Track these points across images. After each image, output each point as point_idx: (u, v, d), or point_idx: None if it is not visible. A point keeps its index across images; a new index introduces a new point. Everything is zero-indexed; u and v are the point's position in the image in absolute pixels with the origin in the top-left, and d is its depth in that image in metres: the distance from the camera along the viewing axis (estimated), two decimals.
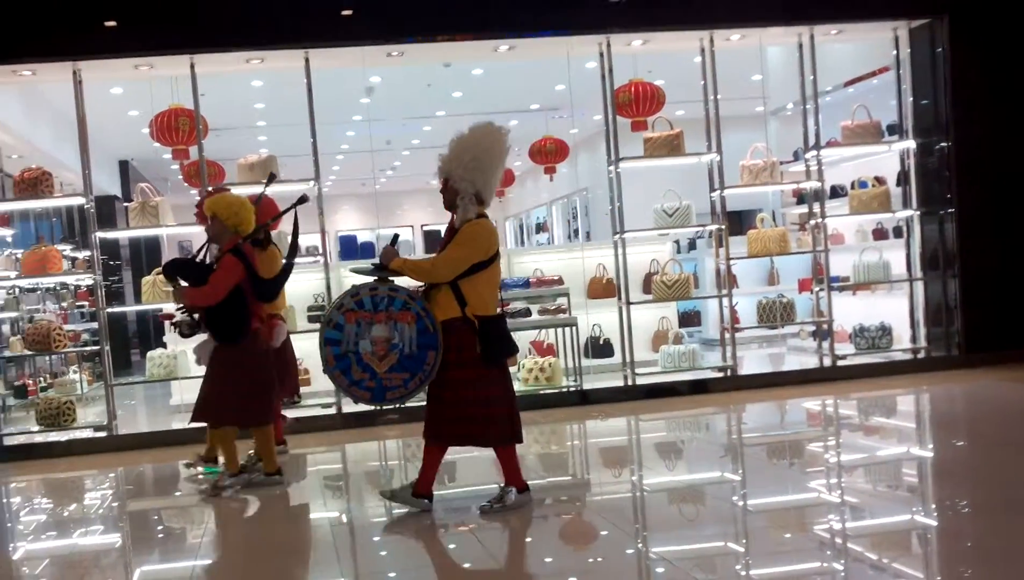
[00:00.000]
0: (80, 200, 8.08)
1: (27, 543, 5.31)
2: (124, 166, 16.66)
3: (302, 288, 8.46)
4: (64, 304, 11.65)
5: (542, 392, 8.13)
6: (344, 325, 4.68)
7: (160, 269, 5.97)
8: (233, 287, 5.36)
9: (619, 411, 7.90)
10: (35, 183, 7.83)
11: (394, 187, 22.97)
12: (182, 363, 8.10)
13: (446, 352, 4.61)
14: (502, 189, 16.52)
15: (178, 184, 15.99)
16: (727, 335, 8.59)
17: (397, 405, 5.23)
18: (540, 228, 21.50)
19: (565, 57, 9.04)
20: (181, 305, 5.51)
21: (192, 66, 7.79)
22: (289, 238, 5.79)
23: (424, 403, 4.82)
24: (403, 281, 4.72)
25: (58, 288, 11.53)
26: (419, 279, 4.74)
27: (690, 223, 8.79)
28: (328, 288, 7.93)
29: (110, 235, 11.53)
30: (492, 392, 4.68)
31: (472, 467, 6.59)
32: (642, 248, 9.19)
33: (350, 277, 8.80)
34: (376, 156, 18.19)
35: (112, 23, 7.49)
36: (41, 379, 10.16)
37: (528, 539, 4.58)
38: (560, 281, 8.53)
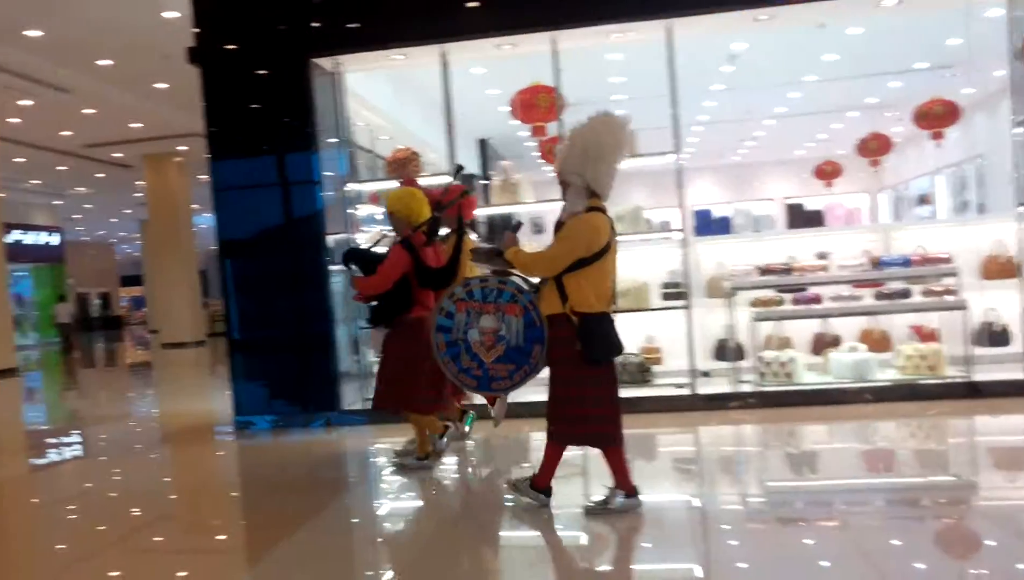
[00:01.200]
0: (445, 179, 8.79)
1: (389, 502, 5.93)
2: (483, 144, 17.91)
3: (657, 264, 8.65)
4: None
5: (922, 382, 7.69)
6: (455, 314, 5.08)
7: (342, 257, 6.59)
8: (400, 276, 5.90)
9: (1018, 407, 7.29)
10: (405, 163, 8.66)
11: (755, 158, 22.68)
12: None
13: (547, 347, 4.83)
14: (876, 158, 15.76)
15: (532, 161, 16.91)
16: None
17: (502, 394, 5.35)
18: (922, 200, 20.17)
19: (962, 7, 8.40)
20: (356, 292, 6.14)
21: (554, 43, 8.17)
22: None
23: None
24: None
25: None
26: (522, 272, 4.90)
27: None
28: (685, 264, 8.02)
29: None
30: (587, 392, 4.73)
31: (835, 458, 6.43)
32: None
33: (705, 253, 8.90)
34: (737, 126, 18.09)
35: (475, 3, 8.08)
36: None
37: (898, 541, 4.39)
38: (947, 259, 7.99)
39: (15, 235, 27.61)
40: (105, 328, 42.72)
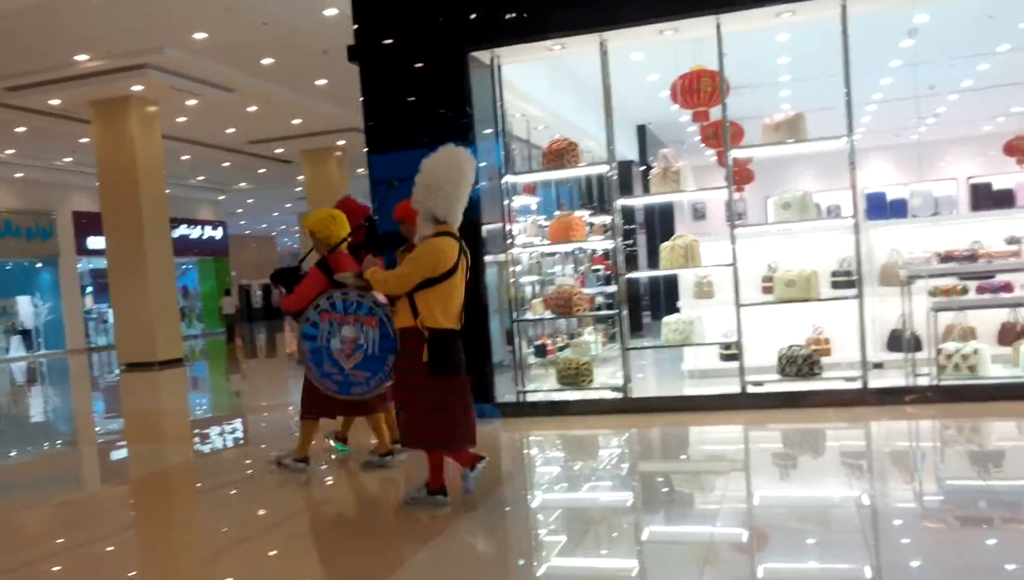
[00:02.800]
0: (603, 168, 8.89)
1: (542, 493, 6.08)
2: (641, 130, 17.89)
3: (826, 252, 8.50)
4: (581, 268, 12.90)
5: None
6: (319, 323, 6.01)
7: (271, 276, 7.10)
8: (314, 295, 6.27)
9: None
10: (562, 154, 8.85)
11: (935, 136, 21.83)
12: (697, 330, 8.60)
13: (399, 357, 5.45)
14: None
15: (694, 145, 16.80)
16: None
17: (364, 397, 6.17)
18: None
19: None
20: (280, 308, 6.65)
21: (718, 26, 7.98)
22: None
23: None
24: None
25: (576, 252, 12.80)
26: (378, 289, 5.52)
27: None
28: (857, 250, 7.81)
29: (629, 201, 12.42)
30: (431, 400, 5.26)
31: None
32: None
33: (879, 238, 8.71)
34: (916, 103, 17.47)
35: None
36: (558, 339, 11.39)
37: None
38: None
39: (181, 229, 29.29)
40: (267, 319, 44.79)
